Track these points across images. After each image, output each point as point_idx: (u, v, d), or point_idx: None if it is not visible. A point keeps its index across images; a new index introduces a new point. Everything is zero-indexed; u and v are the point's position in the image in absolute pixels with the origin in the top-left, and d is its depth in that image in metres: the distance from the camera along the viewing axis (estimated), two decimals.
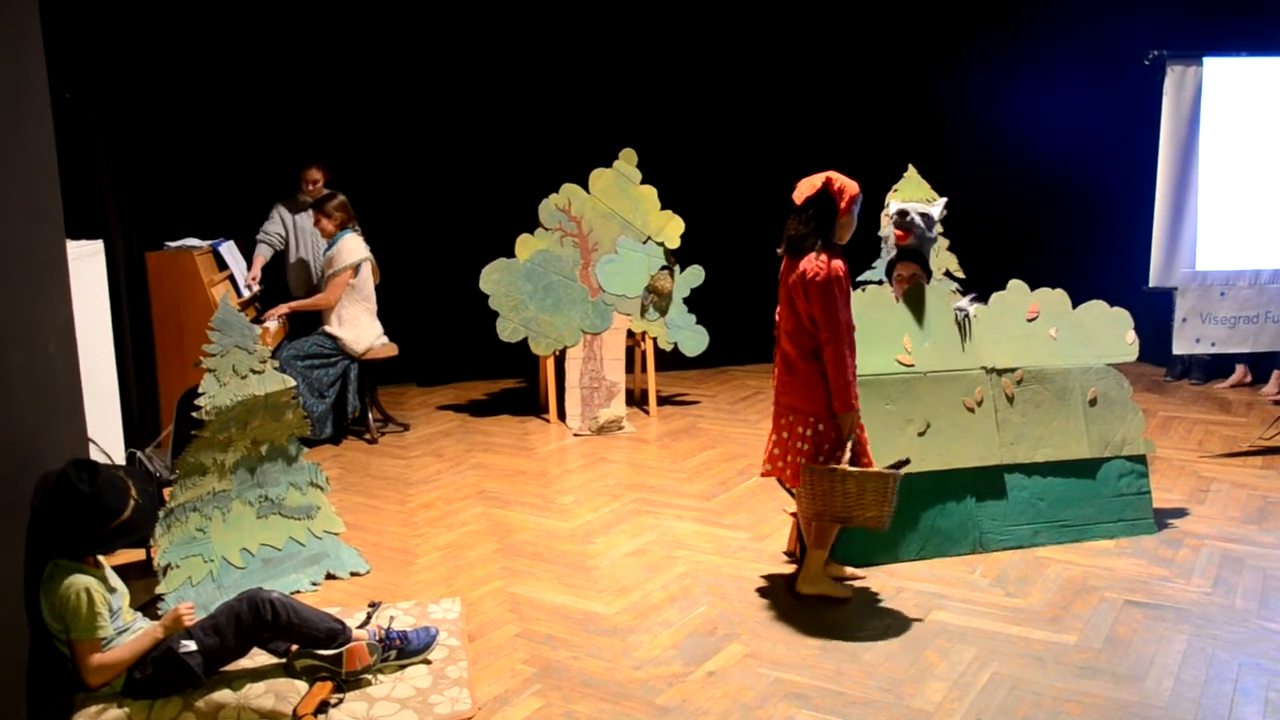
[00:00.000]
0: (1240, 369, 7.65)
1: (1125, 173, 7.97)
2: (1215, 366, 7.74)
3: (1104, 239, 8.43)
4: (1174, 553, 4.59)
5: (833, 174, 3.96)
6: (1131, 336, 4.92)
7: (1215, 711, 3.28)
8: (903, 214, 4.78)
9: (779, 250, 4.08)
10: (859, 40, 8.75)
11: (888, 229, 5.34)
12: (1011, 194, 8.87)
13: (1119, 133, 8.13)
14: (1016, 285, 4.85)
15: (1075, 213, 8.75)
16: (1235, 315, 5.96)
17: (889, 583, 4.31)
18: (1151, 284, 6.03)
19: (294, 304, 6.61)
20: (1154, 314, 6.10)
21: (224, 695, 3.27)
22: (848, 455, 3.95)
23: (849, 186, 3.94)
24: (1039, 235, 8.85)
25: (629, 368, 7.27)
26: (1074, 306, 4.88)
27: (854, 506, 3.83)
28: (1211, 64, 5.87)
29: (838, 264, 3.87)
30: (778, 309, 4.14)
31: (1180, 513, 5.07)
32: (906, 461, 4.04)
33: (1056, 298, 4.86)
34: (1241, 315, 5.96)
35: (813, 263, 3.88)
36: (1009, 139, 8.61)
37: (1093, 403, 4.81)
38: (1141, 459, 4.85)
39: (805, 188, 3.96)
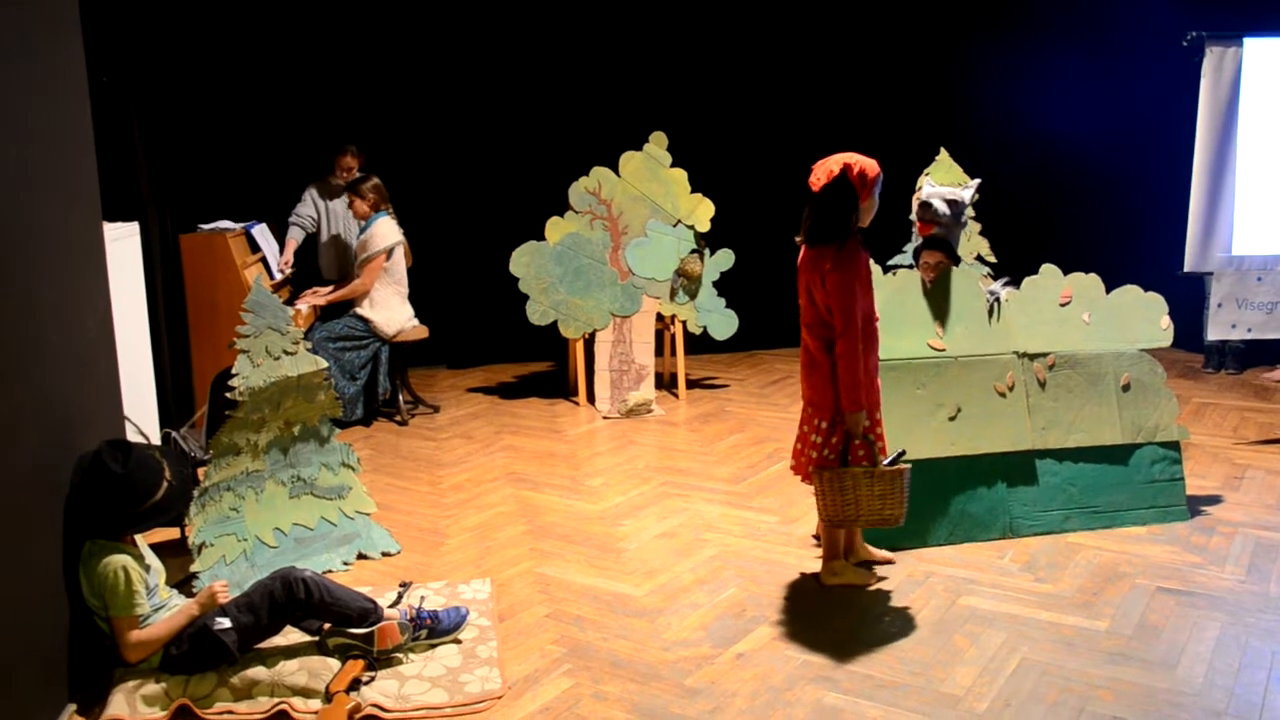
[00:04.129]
0: None
1: (1160, 156, 7.86)
2: (1250, 356, 7.62)
3: (1139, 223, 8.34)
4: (1207, 540, 4.55)
5: (850, 157, 3.79)
6: (1166, 322, 4.87)
7: (1248, 700, 3.26)
8: (925, 206, 4.73)
9: (797, 239, 3.95)
10: (890, 22, 8.68)
11: (915, 213, 5.31)
12: (1045, 178, 8.78)
13: (1154, 116, 8.03)
14: (1049, 270, 4.81)
15: (1110, 197, 8.65)
16: (1273, 300, 5.88)
17: (918, 567, 4.30)
18: (1186, 269, 5.96)
19: (330, 295, 6.62)
20: (1189, 299, 6.04)
21: (258, 672, 3.31)
22: (887, 455, 3.90)
23: (869, 168, 3.78)
24: (1072, 219, 8.75)
25: (658, 351, 7.27)
26: (1108, 291, 4.83)
27: (872, 509, 3.81)
28: (1252, 44, 5.78)
29: (858, 254, 3.77)
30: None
31: (1214, 500, 5.03)
32: (903, 452, 3.99)
33: (1090, 282, 4.82)
34: (1279, 300, 5.88)
35: (833, 253, 3.76)
36: (1042, 122, 8.51)
37: (1126, 388, 4.77)
38: (1175, 445, 4.81)
39: (822, 173, 3.80)
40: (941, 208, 4.72)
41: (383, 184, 6.57)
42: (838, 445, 3.92)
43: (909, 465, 3.88)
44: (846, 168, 3.78)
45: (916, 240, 5.30)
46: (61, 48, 3.61)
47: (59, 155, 3.52)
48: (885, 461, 3.91)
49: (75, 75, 3.74)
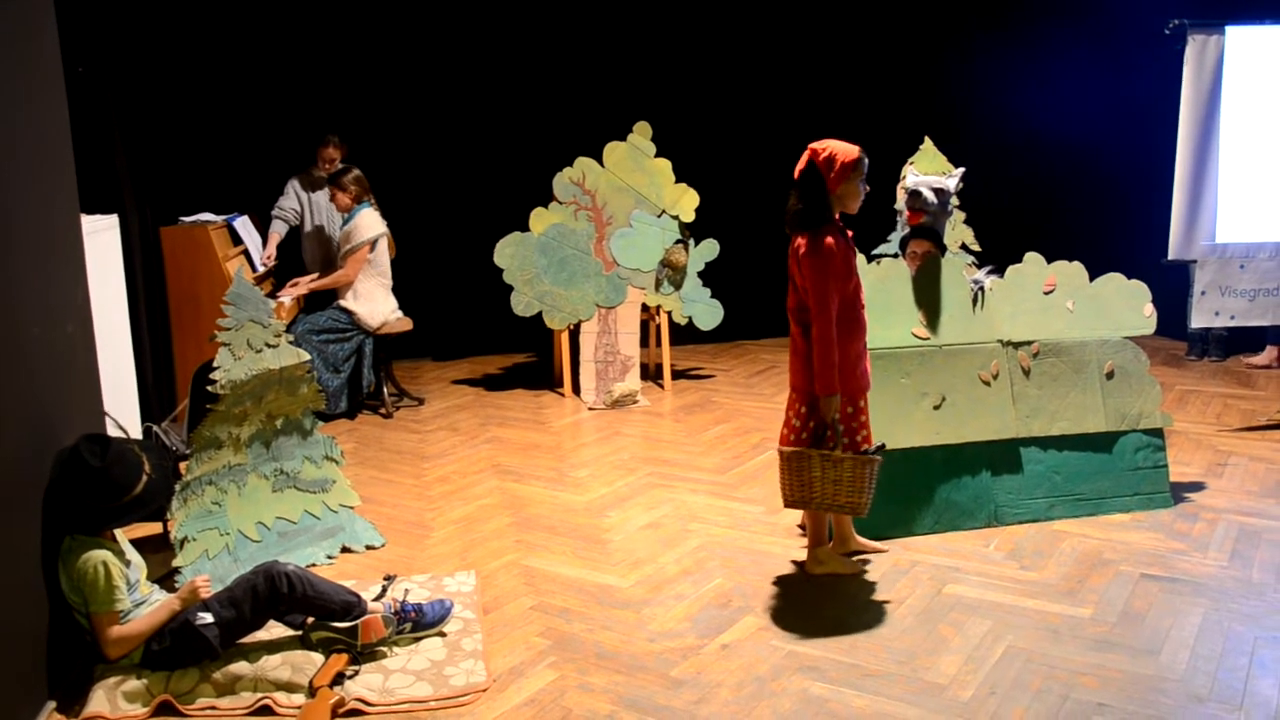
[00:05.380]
0: (1271, 349, 7.45)
1: (1144, 145, 7.88)
2: (1233, 344, 7.64)
3: (1122, 211, 8.36)
4: (1190, 526, 4.57)
5: (819, 144, 3.81)
6: (1149, 309, 4.87)
7: (1231, 685, 3.27)
8: (915, 195, 4.73)
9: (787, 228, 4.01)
10: (876, 13, 8.67)
11: (903, 202, 5.32)
12: (1029, 166, 8.80)
13: (1137, 104, 8.04)
14: (1033, 258, 4.80)
15: (1093, 185, 8.67)
16: (1255, 288, 5.91)
17: (904, 556, 4.31)
18: (1170, 257, 5.99)
19: (313, 284, 6.60)
20: (1172, 287, 6.05)
21: (241, 667, 3.29)
22: (872, 444, 3.89)
23: (840, 154, 3.76)
24: (1056, 208, 8.77)
25: (643, 342, 7.26)
26: (1091, 279, 4.84)
27: (827, 494, 3.80)
28: (1234, 33, 5.79)
29: (829, 240, 3.76)
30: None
31: (1197, 486, 5.05)
32: (883, 446, 4.00)
33: (1074, 270, 4.82)
34: (1262, 288, 5.90)
35: (806, 240, 3.80)
36: (1026, 111, 8.53)
37: (1110, 376, 4.78)
38: (1158, 432, 4.82)
39: (800, 161, 3.87)
40: (930, 197, 4.72)
41: (364, 175, 6.53)
42: (814, 430, 3.93)
43: (878, 458, 3.85)
44: (813, 154, 3.81)
45: (902, 230, 5.30)
46: (36, 38, 3.57)
47: (35, 147, 3.48)
48: (869, 451, 3.91)
49: (50, 65, 3.70)
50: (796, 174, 3.86)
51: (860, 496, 3.80)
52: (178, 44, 6.69)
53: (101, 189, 5.35)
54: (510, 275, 6.71)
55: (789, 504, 3.96)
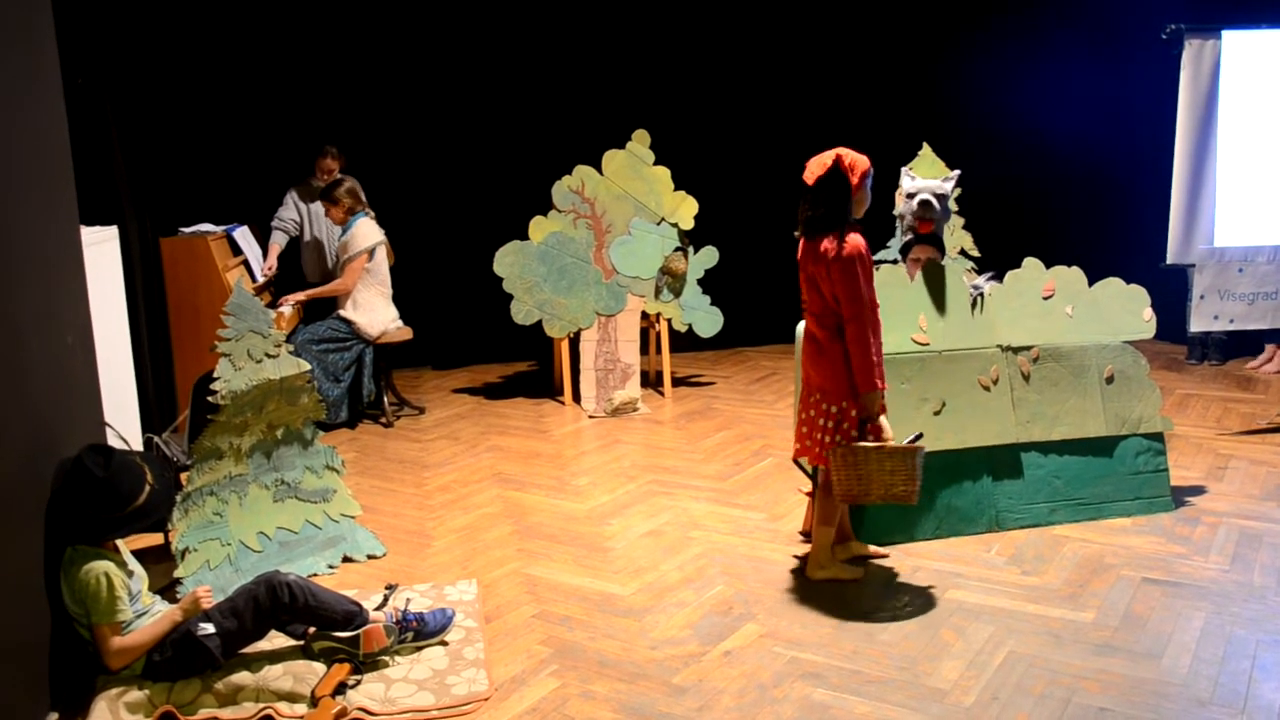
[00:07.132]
0: (1271, 349, 7.45)
1: (1142, 149, 7.90)
2: (1232, 347, 7.65)
3: (1121, 216, 8.37)
4: (1191, 530, 4.57)
5: (842, 150, 3.90)
6: (1148, 314, 4.88)
7: (1233, 689, 3.27)
8: (926, 204, 4.80)
9: (796, 233, 4.04)
10: (872, 18, 8.68)
11: (902, 207, 5.33)
12: (1027, 172, 8.80)
13: (1135, 109, 8.07)
14: (1032, 263, 4.81)
15: (1091, 190, 8.68)
16: (1254, 291, 5.90)
17: (905, 562, 4.31)
18: (1169, 261, 5.99)
19: (311, 291, 6.62)
20: (1172, 291, 6.06)
21: (242, 677, 3.29)
22: (889, 434, 3.92)
23: (859, 162, 3.89)
24: (1055, 213, 8.78)
25: (643, 349, 7.26)
26: (1090, 284, 4.84)
27: (883, 484, 3.83)
28: (1230, 37, 5.81)
29: (857, 241, 3.84)
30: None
31: (1198, 490, 5.05)
32: (920, 435, 4.02)
33: (1073, 275, 4.83)
34: (1260, 291, 5.90)
35: (833, 243, 3.84)
36: (1024, 116, 8.54)
37: (1109, 380, 4.78)
38: (1159, 436, 4.82)
39: (816, 167, 3.91)
40: (938, 205, 4.79)
41: (358, 185, 6.54)
42: (848, 430, 3.94)
43: (923, 446, 3.89)
44: (838, 159, 3.88)
45: (903, 236, 5.32)
46: (35, 49, 3.58)
47: (35, 159, 3.49)
48: (906, 440, 3.94)
49: (50, 77, 3.71)
50: (814, 180, 3.89)
51: (912, 484, 3.83)
52: (176, 55, 6.70)
53: (101, 200, 5.36)
54: (510, 283, 6.72)
55: (844, 499, 3.96)
